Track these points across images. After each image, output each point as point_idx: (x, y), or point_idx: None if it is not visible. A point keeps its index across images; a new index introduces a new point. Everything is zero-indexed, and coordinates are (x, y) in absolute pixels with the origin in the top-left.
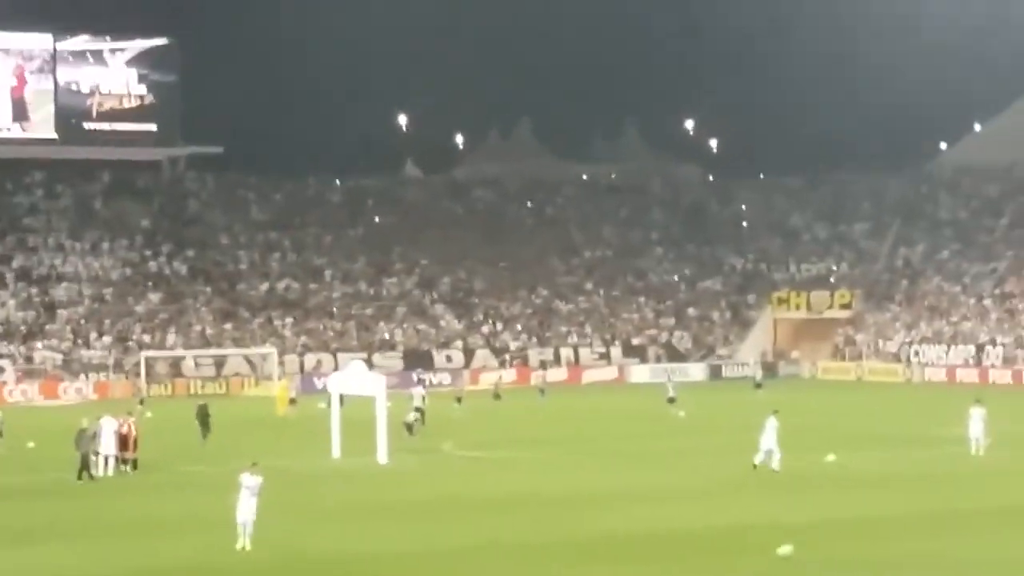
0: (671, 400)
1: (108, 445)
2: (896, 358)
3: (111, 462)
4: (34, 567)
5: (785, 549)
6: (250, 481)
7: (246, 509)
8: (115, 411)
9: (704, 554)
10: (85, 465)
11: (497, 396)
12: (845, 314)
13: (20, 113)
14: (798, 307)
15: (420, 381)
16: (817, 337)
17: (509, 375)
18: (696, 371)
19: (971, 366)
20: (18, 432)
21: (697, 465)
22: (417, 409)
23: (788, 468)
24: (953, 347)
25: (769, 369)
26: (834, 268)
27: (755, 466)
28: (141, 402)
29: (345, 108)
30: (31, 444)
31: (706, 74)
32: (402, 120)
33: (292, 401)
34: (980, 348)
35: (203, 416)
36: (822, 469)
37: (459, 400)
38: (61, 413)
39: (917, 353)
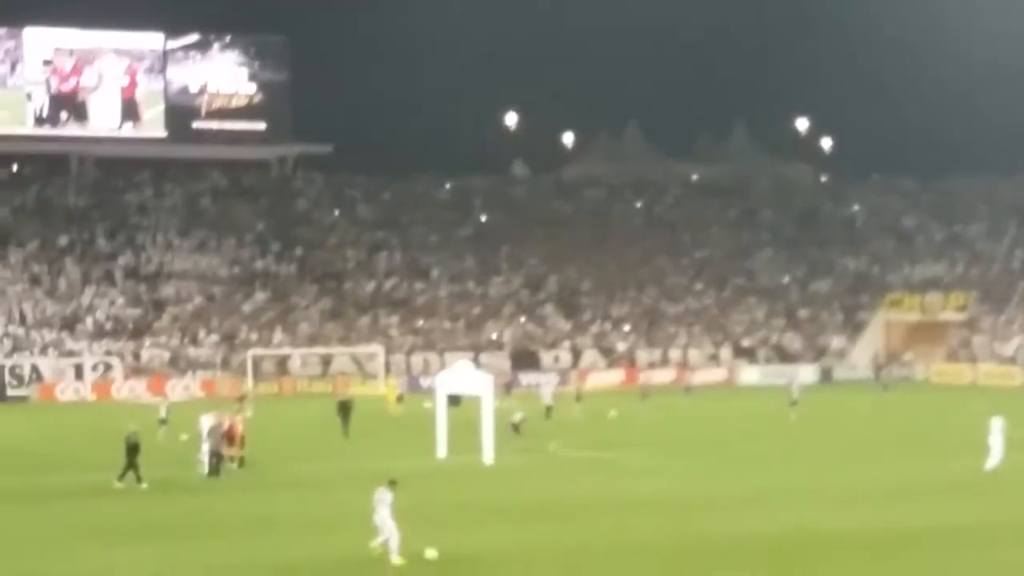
0: (794, 403)
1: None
2: (1012, 361)
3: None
4: (163, 563)
5: (431, 553)
6: (385, 496)
7: (384, 525)
8: (221, 409)
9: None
10: (216, 460)
11: (644, 396)
12: (960, 317)
13: (131, 113)
14: (912, 309)
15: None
16: (931, 340)
17: (617, 376)
18: (807, 373)
19: None
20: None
21: (819, 468)
22: (547, 407)
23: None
24: None
25: (882, 372)
26: (948, 270)
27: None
28: (241, 399)
29: (453, 107)
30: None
31: (816, 74)
32: (510, 119)
33: (399, 399)
34: None
35: (345, 411)
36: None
37: (578, 399)
38: (170, 410)
39: None
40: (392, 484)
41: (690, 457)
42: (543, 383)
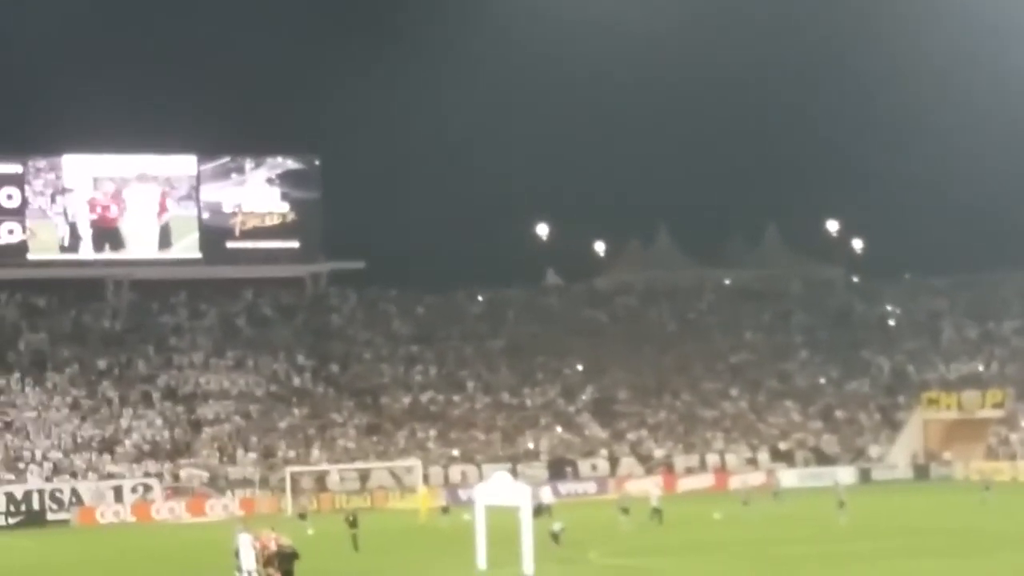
0: (842, 504)
1: (248, 560)
2: None
3: None
4: None
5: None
6: None
7: None
8: (258, 527)
9: None
10: None
11: (745, 502)
12: (998, 414)
13: (164, 240)
14: (949, 407)
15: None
16: (969, 438)
17: (656, 482)
18: (845, 475)
19: None
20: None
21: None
22: (655, 510)
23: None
24: None
25: (921, 472)
26: (983, 368)
27: None
28: (302, 517)
29: (484, 220)
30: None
31: (846, 175)
32: (542, 230)
33: (444, 509)
34: None
35: (352, 523)
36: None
37: (625, 511)
38: (209, 530)
39: None
40: None
41: (738, 561)
42: (650, 485)
